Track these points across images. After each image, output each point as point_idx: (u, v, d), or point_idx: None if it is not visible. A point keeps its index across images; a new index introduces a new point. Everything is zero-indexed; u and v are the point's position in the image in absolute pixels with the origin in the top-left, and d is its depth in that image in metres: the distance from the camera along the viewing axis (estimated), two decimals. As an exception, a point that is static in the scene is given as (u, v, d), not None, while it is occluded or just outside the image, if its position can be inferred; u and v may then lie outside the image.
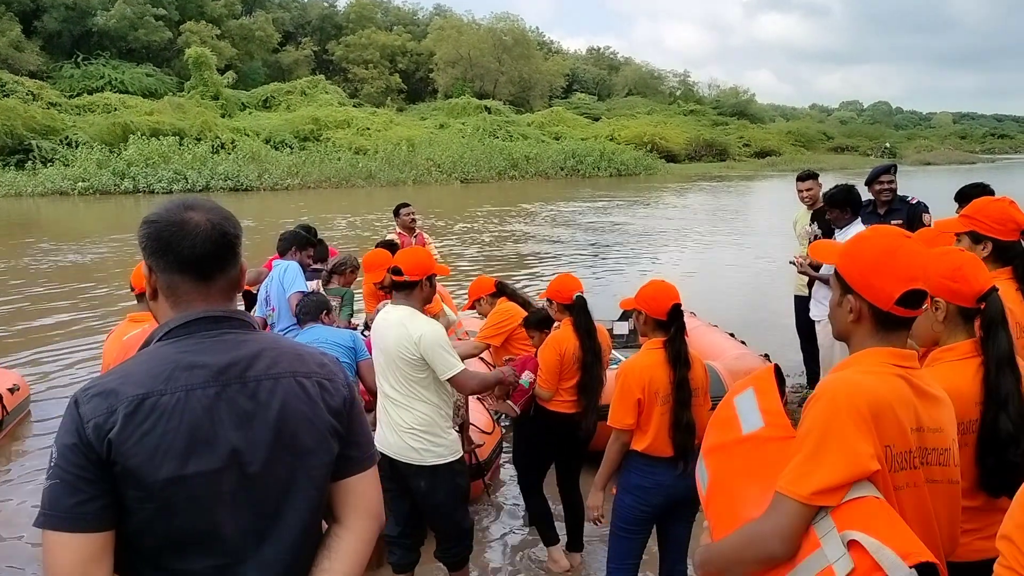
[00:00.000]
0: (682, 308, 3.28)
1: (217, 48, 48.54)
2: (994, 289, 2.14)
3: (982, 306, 2.13)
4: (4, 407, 6.08)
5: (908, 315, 1.73)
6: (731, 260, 15.67)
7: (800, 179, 6.53)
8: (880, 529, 1.48)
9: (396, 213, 7.44)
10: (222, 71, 47.22)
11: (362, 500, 1.62)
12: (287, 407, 1.50)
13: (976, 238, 2.88)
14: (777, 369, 1.84)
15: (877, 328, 1.73)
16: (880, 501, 1.55)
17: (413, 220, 7.35)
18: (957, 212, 5.46)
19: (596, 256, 16.32)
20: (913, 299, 1.70)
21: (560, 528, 4.34)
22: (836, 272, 1.81)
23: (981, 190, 4.47)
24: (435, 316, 5.60)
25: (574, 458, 4.22)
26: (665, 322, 3.25)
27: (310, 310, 4.66)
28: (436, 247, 7.80)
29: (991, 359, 2.10)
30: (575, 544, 4.28)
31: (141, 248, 1.55)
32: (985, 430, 2.08)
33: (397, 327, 3.43)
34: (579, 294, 3.97)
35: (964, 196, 4.63)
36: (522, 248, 17.61)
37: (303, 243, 5.77)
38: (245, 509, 1.46)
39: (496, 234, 19.98)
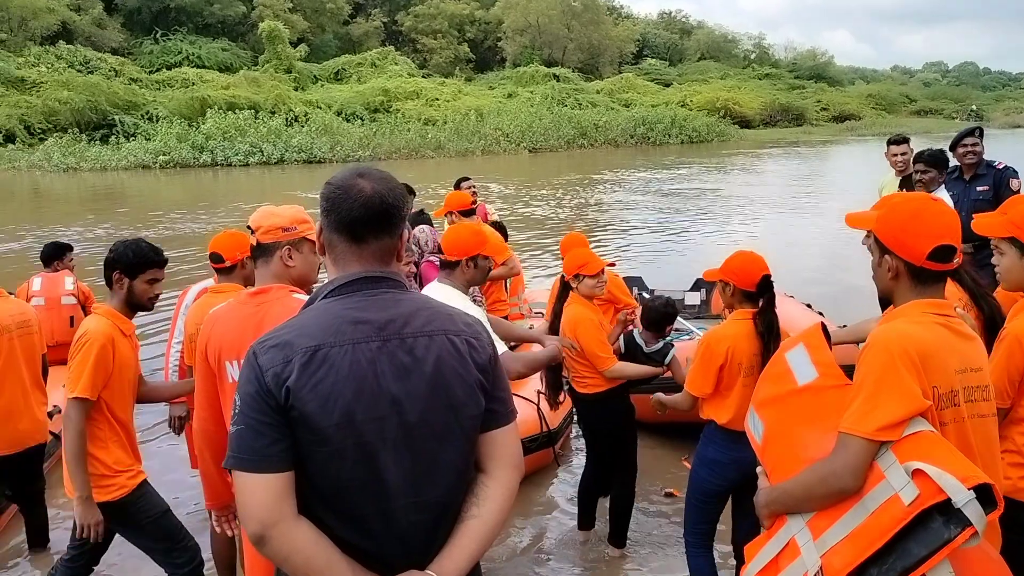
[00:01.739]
0: (772, 279, 3.23)
1: (289, 21, 49.18)
2: None
3: None
4: None
5: (941, 268, 1.89)
6: (809, 227, 15.29)
7: (894, 143, 6.28)
8: (939, 458, 1.63)
9: (457, 187, 7.48)
10: (294, 44, 47.88)
11: (505, 451, 1.71)
12: (441, 362, 1.60)
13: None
14: (823, 326, 2.00)
15: (914, 283, 1.91)
16: (935, 434, 1.72)
17: (474, 193, 7.38)
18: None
19: (668, 223, 16.12)
20: (943, 254, 1.86)
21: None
22: (874, 236, 1.98)
23: None
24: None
25: (609, 441, 4.06)
26: (754, 293, 3.21)
27: None
28: (497, 213, 7.83)
29: None
30: (614, 538, 4.15)
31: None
32: None
33: None
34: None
35: None
36: (603, 216, 17.53)
37: None
38: (405, 456, 1.56)
39: (581, 201, 20.07)
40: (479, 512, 1.64)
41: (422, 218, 6.69)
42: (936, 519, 1.57)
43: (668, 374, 4.08)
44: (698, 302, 7.51)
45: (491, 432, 1.69)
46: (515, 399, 5.17)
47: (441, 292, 3.34)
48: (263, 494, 1.47)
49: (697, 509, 3.39)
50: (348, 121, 39.33)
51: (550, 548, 4.26)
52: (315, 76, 47.85)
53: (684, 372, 3.94)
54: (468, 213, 5.79)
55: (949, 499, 1.55)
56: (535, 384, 4.93)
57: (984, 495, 1.58)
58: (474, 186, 7.48)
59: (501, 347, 3.23)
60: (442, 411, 1.59)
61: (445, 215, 5.90)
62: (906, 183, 5.89)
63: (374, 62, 50.07)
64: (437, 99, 44.54)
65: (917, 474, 1.61)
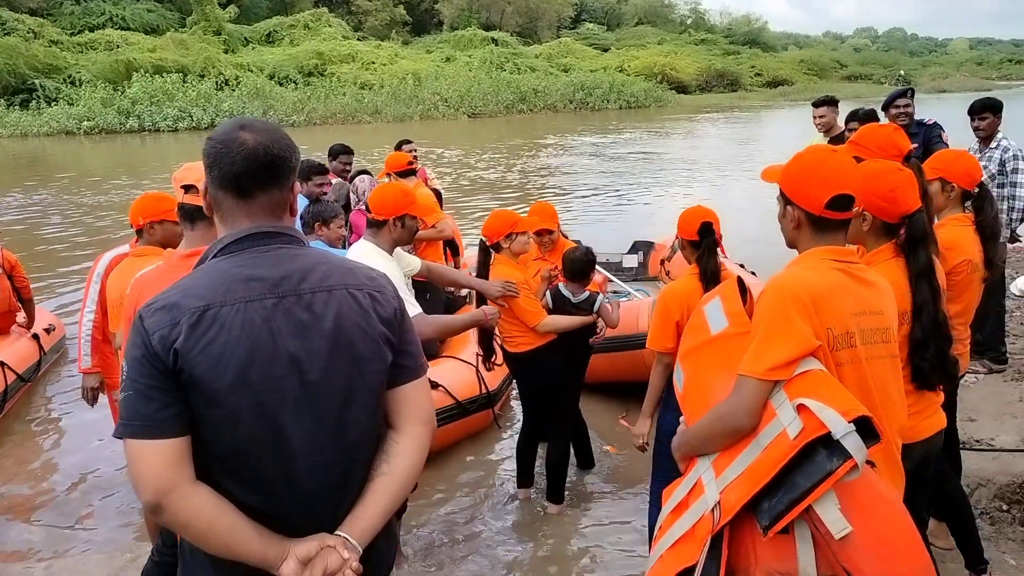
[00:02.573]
0: (713, 227, 3.26)
1: (218, -19, 47.52)
2: (919, 211, 2.36)
3: (906, 223, 2.36)
4: (41, 347, 6.12)
5: (839, 217, 1.97)
6: (742, 190, 15.53)
7: (815, 105, 6.46)
8: (824, 394, 1.71)
9: (398, 149, 7.40)
10: (224, 5, 46.26)
11: (415, 407, 1.69)
12: (342, 317, 1.56)
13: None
14: (740, 280, 2.10)
15: (815, 232, 1.99)
16: (824, 372, 1.80)
17: (415, 157, 7.31)
18: (971, 124, 5.67)
19: (607, 187, 16.23)
20: (840, 202, 1.95)
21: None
22: (779, 188, 2.06)
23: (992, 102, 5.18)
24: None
25: (542, 398, 4.14)
26: (697, 242, 3.26)
27: (306, 220, 4.34)
28: (440, 183, 7.77)
29: (912, 272, 2.34)
30: (551, 495, 4.22)
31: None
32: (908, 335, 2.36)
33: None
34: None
35: (986, 107, 5.06)
36: (548, 180, 17.53)
37: (307, 173, 5.22)
38: (307, 415, 1.52)
39: (526, 167, 19.98)
40: (389, 469, 1.62)
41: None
42: (820, 452, 1.64)
43: (603, 329, 4.18)
44: (635, 264, 7.64)
45: (399, 387, 1.66)
46: (454, 362, 5.19)
47: (362, 250, 3.35)
48: (156, 461, 1.42)
49: (666, 455, 3.41)
50: (281, 85, 38.38)
51: (489, 507, 4.31)
52: (246, 38, 46.38)
53: (613, 317, 4.04)
54: (406, 174, 5.73)
55: (830, 432, 1.62)
56: (474, 347, 4.95)
57: (866, 429, 1.66)
58: (415, 149, 7.41)
59: (414, 310, 3.24)
60: (345, 368, 1.55)
61: (385, 176, 5.85)
62: (836, 143, 6.03)
63: (307, 24, 48.72)
64: (373, 63, 43.71)
65: (802, 409, 1.69)
